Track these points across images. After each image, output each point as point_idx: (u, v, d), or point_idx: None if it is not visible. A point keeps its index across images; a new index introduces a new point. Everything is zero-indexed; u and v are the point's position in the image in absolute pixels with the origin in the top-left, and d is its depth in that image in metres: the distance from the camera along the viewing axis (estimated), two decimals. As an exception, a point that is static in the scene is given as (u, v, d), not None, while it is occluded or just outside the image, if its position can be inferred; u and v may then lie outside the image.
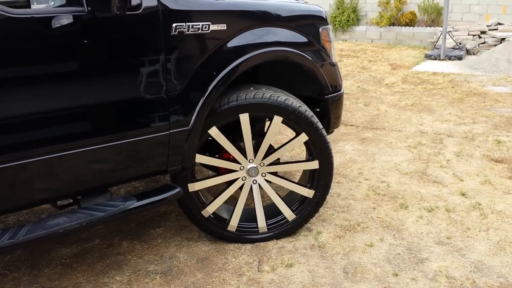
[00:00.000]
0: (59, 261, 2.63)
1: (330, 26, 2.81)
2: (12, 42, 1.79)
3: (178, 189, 2.30)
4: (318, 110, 2.87)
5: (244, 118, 2.46)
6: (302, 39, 2.60)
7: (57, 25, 1.85)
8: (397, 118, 5.10)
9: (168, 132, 2.22)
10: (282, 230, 2.75)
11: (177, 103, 2.21)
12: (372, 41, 10.97)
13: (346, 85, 6.70)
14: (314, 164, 2.64)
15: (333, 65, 2.82)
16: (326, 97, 2.79)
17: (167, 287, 2.38)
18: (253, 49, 2.37)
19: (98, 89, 2.01)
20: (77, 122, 1.99)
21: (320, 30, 2.69)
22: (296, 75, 2.85)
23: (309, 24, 2.66)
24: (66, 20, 1.86)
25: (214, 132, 2.47)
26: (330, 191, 3.34)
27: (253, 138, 2.58)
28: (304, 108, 2.53)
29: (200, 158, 2.53)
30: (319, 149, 2.60)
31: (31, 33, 1.82)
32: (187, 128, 2.27)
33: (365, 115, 5.29)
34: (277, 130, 2.55)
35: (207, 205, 2.64)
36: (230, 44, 2.31)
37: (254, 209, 2.69)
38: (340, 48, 10.10)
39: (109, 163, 2.12)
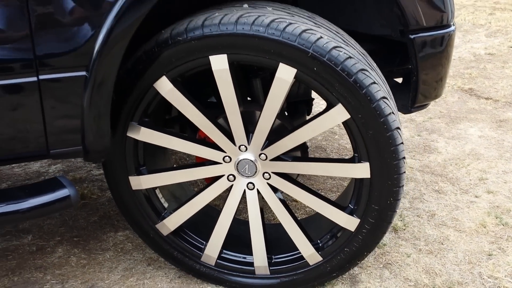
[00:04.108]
0: (-45, 265, 1.73)
1: None
2: None
3: (66, 192, 1.18)
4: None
5: (219, 64, 1.23)
6: None
7: None
8: None
9: (35, 79, 1.08)
10: (295, 278, 1.50)
11: (53, 29, 1.06)
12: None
13: (493, 44, 4.91)
14: (362, 170, 1.31)
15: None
16: (412, 36, 1.40)
17: None
18: None
19: None
20: None
21: None
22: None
23: None
24: None
25: (164, 87, 1.28)
26: (420, 205, 2.01)
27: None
28: (345, 52, 1.20)
29: (145, 135, 1.37)
30: (372, 141, 1.26)
31: None
32: (80, 73, 1.12)
33: (512, 85, 3.59)
34: (286, 94, 1.26)
35: (167, 215, 1.49)
36: None
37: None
38: (496, 0, 7.92)
39: None
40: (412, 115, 3.05)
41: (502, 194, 2.11)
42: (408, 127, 2.90)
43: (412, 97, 1.52)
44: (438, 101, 3.29)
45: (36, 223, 1.99)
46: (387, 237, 1.83)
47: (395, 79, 1.85)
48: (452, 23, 1.54)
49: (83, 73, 1.12)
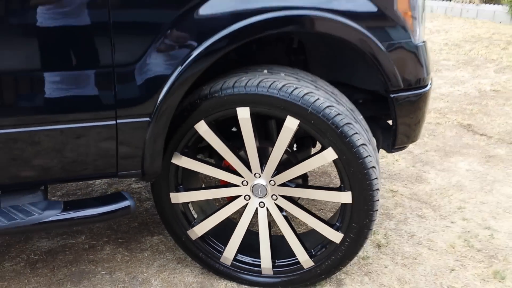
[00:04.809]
0: (28, 256, 2.21)
1: (417, -10, 1.82)
2: None
3: (127, 203, 1.65)
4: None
5: (243, 114, 1.68)
6: (353, 2, 1.68)
7: None
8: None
9: (114, 122, 1.55)
10: (293, 278, 1.93)
11: (129, 85, 1.53)
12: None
13: (500, 80, 5.20)
14: (346, 197, 1.74)
15: (413, 48, 1.83)
16: (392, 95, 1.83)
17: (109, 327, 1.77)
18: (252, 14, 1.55)
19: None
20: None
21: (395, -6, 1.73)
22: (357, 59, 1.94)
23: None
24: None
25: (202, 128, 1.74)
26: (403, 227, 2.40)
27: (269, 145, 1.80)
28: (336, 109, 1.64)
29: (185, 162, 1.83)
30: (353, 176, 1.69)
31: None
32: (145, 119, 1.58)
33: (508, 123, 3.94)
34: (291, 137, 1.71)
35: (196, 224, 1.94)
36: (211, 6, 1.54)
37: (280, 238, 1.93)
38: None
39: (37, 153, 1.55)
40: (411, 148, 3.44)
41: (475, 222, 2.50)
42: (405, 158, 3.29)
43: (392, 141, 1.95)
44: (436, 135, 3.68)
45: (87, 226, 2.46)
46: (371, 251, 2.23)
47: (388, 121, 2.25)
48: (427, 83, 1.96)
49: (147, 119, 1.58)
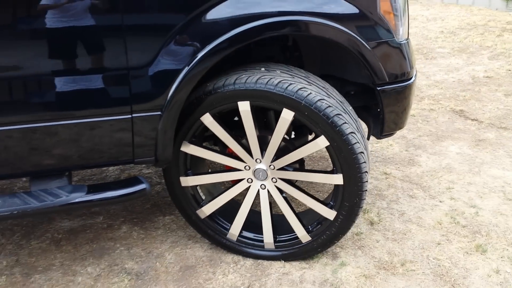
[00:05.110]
0: (52, 235, 2.45)
1: (399, -9, 2.01)
2: None
3: (143, 186, 1.87)
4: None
5: (244, 107, 1.90)
6: (341, 6, 1.88)
7: None
8: (541, 118, 3.89)
9: (130, 116, 1.77)
10: (292, 251, 2.15)
11: (142, 83, 1.74)
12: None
13: (494, 67, 5.39)
14: (337, 179, 1.96)
15: (397, 45, 2.03)
16: (378, 88, 2.03)
17: (129, 295, 2.02)
18: (249, 20, 1.75)
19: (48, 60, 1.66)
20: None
21: (378, -4, 1.92)
22: (347, 55, 2.14)
23: (357, -14, 1.91)
24: None
25: (207, 120, 1.95)
26: (394, 206, 2.62)
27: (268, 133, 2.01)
28: (326, 102, 1.85)
29: (193, 150, 2.04)
30: (343, 160, 1.91)
31: None
32: (157, 113, 1.80)
33: (499, 108, 4.13)
34: (287, 127, 1.92)
35: (204, 204, 2.17)
36: (216, 12, 1.74)
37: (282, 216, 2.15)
38: (508, 20, 8.33)
39: (63, 144, 1.78)
40: (405, 133, 3.64)
41: (461, 201, 2.71)
42: (399, 143, 3.49)
43: (380, 129, 2.15)
44: (429, 121, 3.88)
45: (105, 208, 2.69)
46: (364, 228, 2.46)
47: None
48: (411, 76, 2.16)
49: (159, 112, 1.80)
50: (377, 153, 3.31)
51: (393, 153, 3.32)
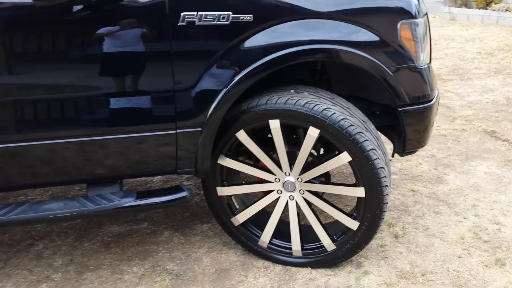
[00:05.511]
0: (102, 238, 2.72)
1: (420, 21, 2.19)
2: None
3: (184, 194, 2.11)
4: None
5: (274, 125, 2.12)
6: (364, 35, 2.08)
7: None
8: None
9: (174, 132, 2.03)
10: (318, 259, 2.33)
11: (186, 102, 2.00)
12: None
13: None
14: (360, 191, 2.14)
15: (417, 70, 2.20)
16: (399, 109, 2.21)
17: (169, 293, 2.25)
18: (280, 48, 1.98)
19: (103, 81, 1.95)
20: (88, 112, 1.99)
21: (398, 26, 2.11)
22: (371, 79, 2.33)
23: (379, 17, 2.11)
24: None
25: (242, 136, 2.19)
26: (419, 221, 2.75)
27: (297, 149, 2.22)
28: (349, 121, 2.04)
29: (229, 163, 2.28)
30: (365, 174, 2.09)
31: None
32: (198, 129, 2.04)
33: (532, 129, 4.18)
34: (313, 143, 2.12)
35: (238, 213, 2.39)
36: (254, 40, 1.98)
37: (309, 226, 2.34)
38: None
39: (117, 155, 2.05)
40: (435, 152, 3.76)
41: (485, 218, 2.81)
42: (428, 161, 3.61)
43: (402, 147, 2.32)
44: (460, 141, 3.97)
45: (149, 215, 2.95)
46: (389, 241, 2.60)
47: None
48: (432, 98, 2.32)
49: (200, 128, 2.04)
50: (406, 171, 3.45)
51: (421, 171, 3.44)
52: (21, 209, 1.98)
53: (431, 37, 2.45)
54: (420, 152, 3.68)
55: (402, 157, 3.56)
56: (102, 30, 1.92)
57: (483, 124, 4.27)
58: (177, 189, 2.13)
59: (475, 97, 4.96)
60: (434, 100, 2.32)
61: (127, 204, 2.03)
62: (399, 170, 3.45)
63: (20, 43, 1.87)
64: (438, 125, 4.25)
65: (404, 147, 2.31)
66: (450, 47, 7.27)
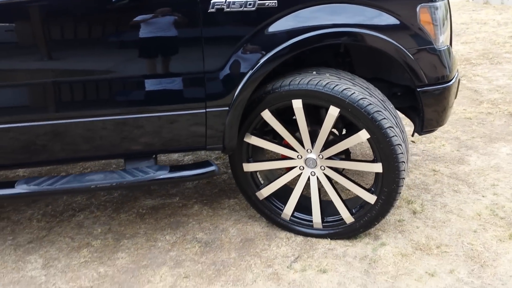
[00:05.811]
0: (137, 210, 2.94)
1: (439, 4, 2.28)
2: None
3: (213, 168, 2.29)
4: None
5: (297, 105, 2.26)
6: (386, 19, 2.19)
7: None
8: None
9: (204, 111, 2.20)
10: (337, 231, 2.48)
11: (215, 84, 2.16)
12: None
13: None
14: (377, 167, 2.27)
15: (436, 52, 2.30)
16: (418, 89, 2.32)
17: (199, 258, 2.44)
18: (304, 31, 2.12)
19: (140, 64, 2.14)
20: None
21: (417, 9, 2.21)
22: (392, 61, 2.43)
23: (399, 1, 2.22)
24: None
25: (266, 115, 2.34)
26: (438, 199, 2.86)
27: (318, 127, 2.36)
28: (368, 100, 2.17)
29: (254, 140, 2.44)
30: (382, 151, 2.21)
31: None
32: (225, 108, 2.21)
33: (560, 112, 4.17)
34: (333, 122, 2.26)
35: (262, 188, 2.55)
36: (278, 25, 2.12)
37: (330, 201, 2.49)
38: None
39: (151, 132, 2.24)
40: (459, 134, 3.81)
41: (503, 196, 2.89)
42: (451, 143, 3.68)
43: (420, 125, 2.43)
44: (485, 124, 4.01)
45: (180, 190, 3.15)
46: (407, 216, 2.72)
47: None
48: (450, 79, 2.41)
49: (227, 108, 2.21)
50: (429, 152, 3.53)
51: (444, 153, 3.52)
52: (66, 180, 2.20)
53: (452, 20, 2.53)
54: (444, 134, 3.76)
55: (425, 139, 3.66)
56: (138, 18, 2.09)
57: (510, 107, 4.28)
58: (207, 163, 2.31)
59: (503, 81, 4.95)
60: (453, 81, 2.40)
61: (161, 176, 2.22)
62: (422, 152, 3.53)
63: (69, 31, 2.06)
64: (464, 108, 4.29)
65: (422, 125, 2.42)
66: (481, 31, 7.18)
